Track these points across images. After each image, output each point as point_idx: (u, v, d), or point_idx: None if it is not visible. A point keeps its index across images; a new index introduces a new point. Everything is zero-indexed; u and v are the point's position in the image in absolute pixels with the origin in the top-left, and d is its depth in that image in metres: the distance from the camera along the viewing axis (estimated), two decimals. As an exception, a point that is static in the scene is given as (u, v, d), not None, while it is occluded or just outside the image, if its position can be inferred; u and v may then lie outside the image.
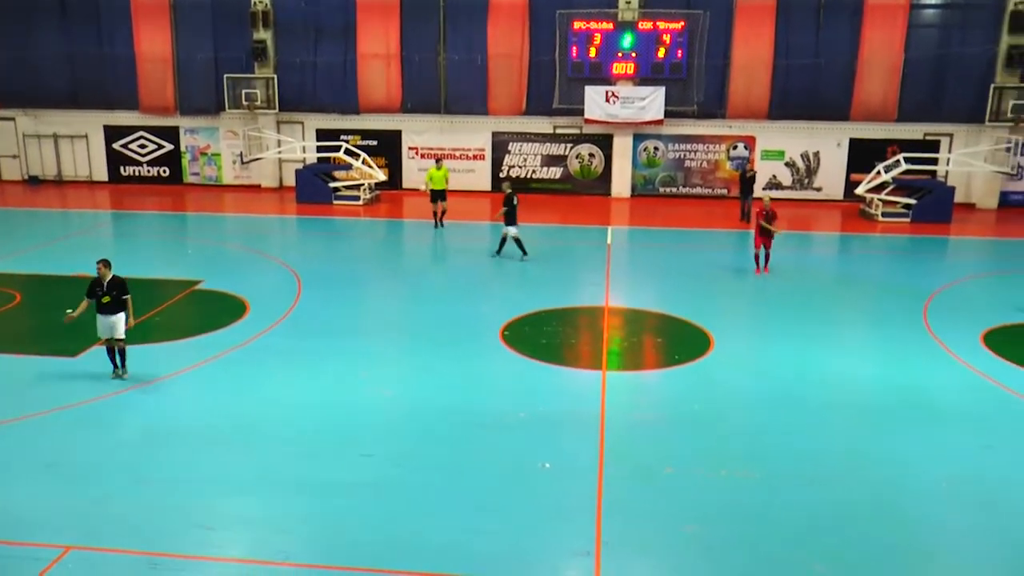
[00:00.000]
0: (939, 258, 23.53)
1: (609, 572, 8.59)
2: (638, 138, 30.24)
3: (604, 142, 30.49)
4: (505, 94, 30.37)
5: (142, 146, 32.34)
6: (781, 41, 28.92)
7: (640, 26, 28.83)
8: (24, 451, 11.02)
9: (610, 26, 28.97)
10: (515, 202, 20.94)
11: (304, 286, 18.66)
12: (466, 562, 8.72)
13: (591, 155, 30.74)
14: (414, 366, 14.29)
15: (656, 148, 30.37)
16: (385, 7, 29.94)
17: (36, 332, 15.87)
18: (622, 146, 30.35)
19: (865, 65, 28.64)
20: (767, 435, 11.74)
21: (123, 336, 13.13)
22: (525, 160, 30.94)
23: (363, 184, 28.88)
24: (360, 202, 28.58)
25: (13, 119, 32.51)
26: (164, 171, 32.52)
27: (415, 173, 30.93)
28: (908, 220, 26.49)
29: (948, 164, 28.20)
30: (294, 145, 30.34)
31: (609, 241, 23.82)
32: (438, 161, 25.59)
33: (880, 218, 26.67)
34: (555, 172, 30.96)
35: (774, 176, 30.07)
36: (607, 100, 29.20)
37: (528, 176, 31.00)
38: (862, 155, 29.24)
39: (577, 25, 29.01)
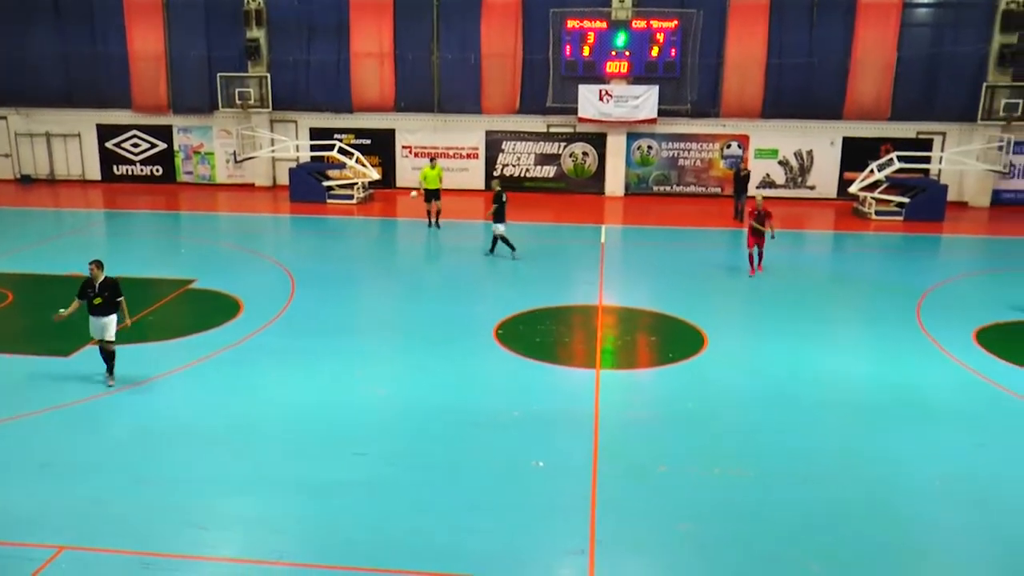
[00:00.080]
0: (932, 256, 23.60)
1: (603, 570, 8.60)
2: (632, 137, 30.26)
3: (598, 141, 30.49)
4: (499, 93, 30.36)
5: (135, 145, 32.25)
6: (774, 40, 28.96)
7: (634, 25, 28.84)
8: (17, 451, 10.99)
9: (603, 25, 28.97)
10: (504, 199, 20.98)
11: (298, 285, 18.64)
12: (460, 561, 8.72)
13: (585, 154, 30.75)
14: (408, 365, 14.28)
15: (650, 147, 30.40)
16: (378, 5, 29.90)
17: (29, 332, 15.83)
18: (616, 145, 30.36)
19: (858, 64, 28.69)
20: (761, 433, 11.76)
21: (113, 339, 12.91)
22: (519, 159, 30.93)
23: (357, 183, 28.85)
24: (354, 201, 28.55)
25: (5, 118, 32.39)
26: (157, 170, 32.44)
27: (408, 172, 30.92)
28: (901, 218, 26.56)
29: (941, 163, 28.26)
30: (287, 144, 30.30)
31: (603, 240, 23.83)
32: (432, 160, 25.57)
33: (873, 216, 26.73)
34: (549, 171, 30.97)
35: (768, 175, 30.12)
36: (601, 99, 29.21)
37: (522, 175, 31.00)
38: (855, 154, 29.29)
39: (571, 24, 29.01)
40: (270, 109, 30.78)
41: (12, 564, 8.56)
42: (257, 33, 30.24)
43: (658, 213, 28.17)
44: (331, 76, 30.81)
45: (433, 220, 24.66)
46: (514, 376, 13.86)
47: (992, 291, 18.82)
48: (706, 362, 14.50)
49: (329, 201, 28.56)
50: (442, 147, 30.93)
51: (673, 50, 28.86)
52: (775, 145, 29.93)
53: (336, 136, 30.60)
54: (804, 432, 11.83)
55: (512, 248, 21.12)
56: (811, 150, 29.87)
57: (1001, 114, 27.86)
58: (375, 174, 29.02)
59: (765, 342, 15.47)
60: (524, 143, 30.78)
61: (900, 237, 24.83)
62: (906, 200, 26.77)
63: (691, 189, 30.58)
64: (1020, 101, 27.66)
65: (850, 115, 29.25)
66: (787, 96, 29.33)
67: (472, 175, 30.87)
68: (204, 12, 30.69)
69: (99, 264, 12.86)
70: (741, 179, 26.66)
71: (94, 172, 32.64)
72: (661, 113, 29.33)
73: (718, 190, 30.30)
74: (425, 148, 30.94)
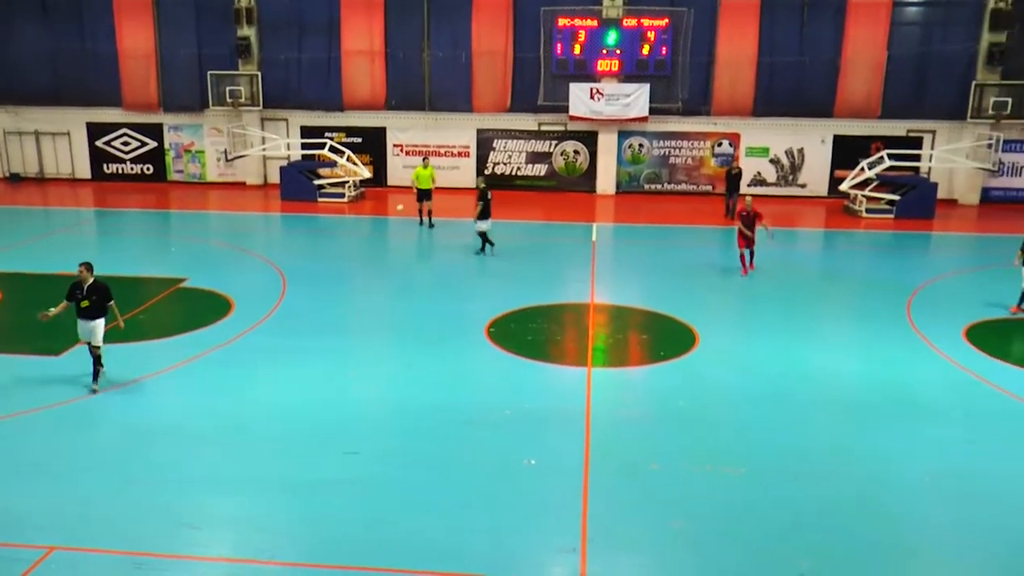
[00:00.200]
0: (922, 254, 23.69)
1: (595, 568, 8.61)
2: (623, 135, 30.29)
3: (589, 139, 30.52)
4: (490, 91, 30.35)
5: (125, 143, 32.15)
6: (765, 38, 29.03)
7: (624, 23, 28.87)
8: (7, 451, 10.94)
9: (594, 23, 29.00)
10: (489, 197, 21.00)
11: (289, 284, 18.60)
12: (452, 559, 8.72)
13: (576, 152, 30.76)
14: (399, 363, 14.26)
15: (641, 145, 30.43)
16: (369, 3, 29.86)
17: (19, 331, 15.73)
18: (607, 143, 30.39)
19: (849, 62, 28.78)
20: (752, 431, 11.79)
21: (99, 344, 12.71)
22: (510, 157, 30.94)
23: (348, 181, 28.81)
24: (345, 199, 28.51)
25: (-7, 116, 32.31)
26: (148, 168, 32.34)
27: (400, 170, 30.94)
28: (892, 216, 26.64)
29: (931, 160, 28.39)
30: (278, 142, 30.25)
31: (594, 238, 23.85)
32: (425, 160, 25.53)
33: (864, 214, 26.82)
34: (540, 169, 30.97)
35: (759, 173, 30.19)
36: (592, 97, 29.24)
37: (513, 173, 31.01)
38: (846, 152, 29.41)
39: (562, 22, 29.03)
40: (261, 107, 30.72)
41: (2, 565, 8.52)
42: (248, 31, 30.17)
43: (649, 211, 28.21)
44: (322, 74, 30.77)
45: (425, 219, 24.64)
46: (506, 374, 13.86)
47: (982, 288, 18.88)
48: (697, 360, 14.53)
49: (320, 200, 28.51)
50: (433, 145, 30.92)
51: (664, 48, 28.90)
52: (766, 143, 30.01)
53: (327, 134, 30.55)
54: (795, 429, 11.86)
55: (491, 244, 21.31)
56: (802, 148, 29.95)
57: (990, 112, 28.03)
58: (366, 172, 28.99)
59: (756, 340, 15.50)
60: (515, 141, 30.78)
61: (890, 235, 24.92)
62: (896, 198, 26.87)
63: (682, 187, 30.63)
64: (1009, 99, 27.82)
65: (841, 113, 29.35)
66: (778, 94, 29.42)
67: (463, 173, 30.86)
68: (194, 10, 30.62)
69: (88, 266, 12.68)
70: (733, 177, 26.71)
71: (84, 170, 32.53)
72: (652, 111, 29.39)
73: (709, 188, 30.36)
74: (416, 146, 30.93)
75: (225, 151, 31.17)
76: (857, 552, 8.92)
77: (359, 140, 30.96)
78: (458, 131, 30.84)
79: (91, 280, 12.63)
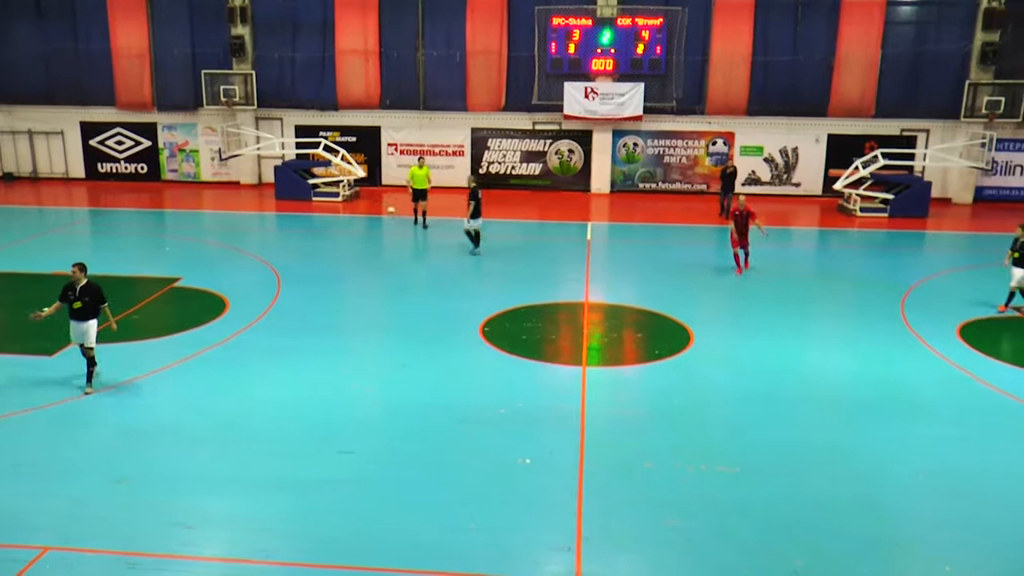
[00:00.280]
0: (916, 252, 23.73)
1: (590, 567, 8.62)
2: (617, 134, 30.31)
3: (583, 138, 30.53)
4: (484, 90, 30.34)
5: (119, 142, 32.08)
6: (759, 37, 29.07)
7: (619, 22, 28.88)
8: (0, 451, 10.91)
9: (589, 22, 29.00)
10: (479, 196, 21.03)
11: (284, 283, 18.58)
12: (447, 558, 8.72)
13: (570, 151, 30.77)
14: (394, 362, 14.24)
15: (635, 144, 30.45)
16: (363, 2, 29.82)
17: (12, 331, 15.70)
18: (601, 142, 30.40)
19: (843, 61, 28.83)
20: (746, 429, 11.80)
21: (92, 345, 12.65)
22: (504, 156, 30.93)
23: (342, 181, 28.77)
24: (339, 199, 28.48)
25: (-14, 115, 32.22)
26: (142, 168, 32.27)
27: (394, 169, 30.92)
28: (886, 215, 26.70)
29: (925, 159, 28.46)
30: (273, 142, 30.20)
31: (589, 237, 23.86)
32: (420, 159, 25.51)
33: (858, 213, 26.87)
34: (534, 168, 30.97)
35: (753, 172, 30.23)
36: (586, 96, 29.25)
37: (507, 172, 31.01)
38: (840, 151, 29.46)
39: (556, 21, 29.03)
40: (255, 106, 30.67)
41: (-5, 565, 8.52)
42: (242, 30, 30.11)
43: (644, 210, 28.23)
44: (316, 73, 30.74)
45: (419, 218, 24.62)
46: (500, 373, 13.86)
47: (975, 287, 18.92)
48: (692, 358, 14.54)
49: (315, 199, 28.48)
50: (428, 144, 30.91)
51: (658, 47, 28.92)
52: (760, 142, 30.04)
53: (321, 134, 30.53)
54: (789, 427, 11.88)
55: (474, 243, 21.38)
56: (796, 147, 30.00)
57: (983, 111, 28.10)
58: (361, 172, 28.96)
59: (751, 338, 15.52)
60: (510, 140, 30.78)
61: (884, 233, 24.97)
62: (890, 197, 26.92)
63: (677, 186, 30.65)
64: (1002, 99, 27.91)
65: (835, 112, 29.40)
66: (772, 93, 29.45)
67: (458, 172, 30.83)
68: (188, 9, 30.54)
69: (82, 267, 12.62)
70: (727, 176, 26.73)
71: (78, 170, 32.45)
72: (647, 110, 29.41)
73: (704, 187, 30.39)
74: (411, 145, 30.91)
75: (219, 150, 31.13)
76: (851, 549, 8.94)
77: (353, 139, 30.94)
78: (453, 130, 30.84)
79: (84, 281, 12.58)
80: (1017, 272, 16.66)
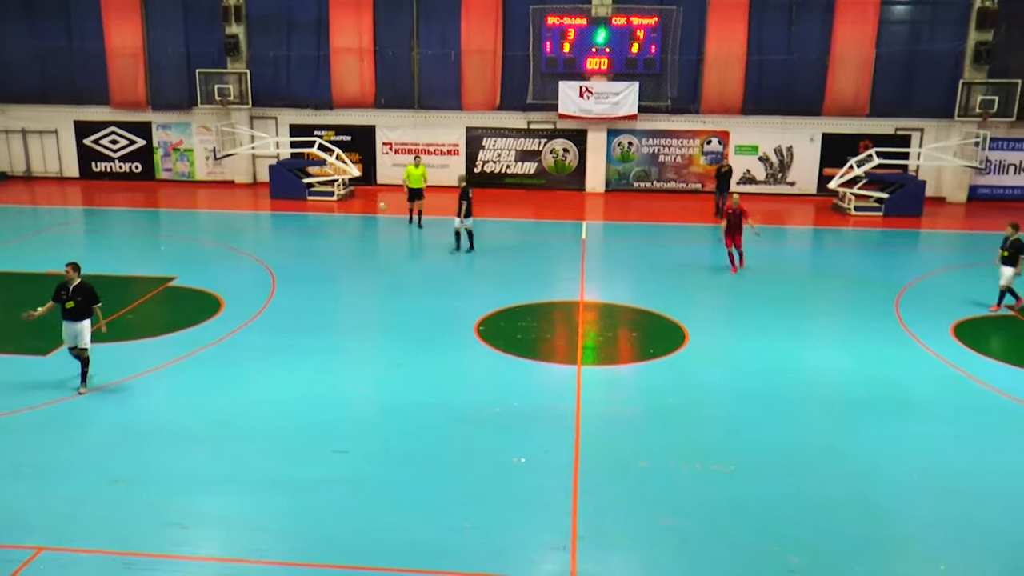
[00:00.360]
0: (910, 251, 23.79)
1: (585, 566, 8.62)
2: (612, 133, 30.32)
3: (578, 137, 30.53)
4: (479, 89, 30.32)
5: (113, 142, 32.00)
6: (754, 37, 29.11)
7: (614, 21, 28.89)
8: (-6, 451, 10.90)
9: (583, 21, 29.00)
10: (470, 195, 21.02)
11: (278, 282, 18.55)
12: (442, 557, 8.72)
13: (565, 150, 30.78)
14: (389, 362, 14.24)
15: (630, 143, 30.46)
16: (358, 1, 29.78)
17: (5, 330, 15.62)
18: (596, 141, 30.41)
19: (837, 61, 28.89)
20: (742, 428, 11.82)
21: (86, 346, 12.58)
22: (499, 155, 30.92)
23: (337, 180, 28.74)
24: (334, 198, 28.44)
25: (-20, 114, 32.11)
26: (136, 167, 32.20)
27: (389, 168, 30.91)
28: (880, 214, 26.75)
29: (919, 159, 28.52)
30: (267, 141, 30.15)
31: (583, 236, 23.87)
32: (416, 158, 25.46)
33: (853, 212, 26.92)
34: (529, 167, 30.97)
35: (748, 171, 30.27)
36: (581, 95, 29.25)
37: (502, 171, 31.00)
38: (835, 150, 29.50)
39: (551, 20, 29.01)
40: (250, 105, 30.62)
41: (-10, 565, 8.50)
42: (236, 29, 30.06)
43: (639, 209, 28.25)
44: (311, 72, 30.71)
45: (415, 218, 24.59)
46: (495, 372, 13.87)
47: (969, 285, 18.97)
48: (687, 358, 14.56)
49: (310, 198, 28.43)
50: (423, 143, 30.87)
51: (653, 47, 28.92)
52: (755, 141, 30.08)
53: (316, 133, 30.48)
54: (784, 426, 11.90)
55: (457, 242, 21.42)
56: (791, 146, 30.04)
57: (977, 110, 28.18)
58: (355, 171, 28.94)
59: (746, 337, 15.54)
60: (505, 139, 30.77)
61: (879, 232, 25.01)
62: (885, 196, 26.98)
63: (671, 185, 30.67)
64: (996, 98, 27.99)
65: (829, 111, 29.45)
66: (767, 92, 29.49)
67: (453, 171, 30.76)
68: (182, 8, 30.47)
69: (75, 267, 12.52)
70: (722, 175, 26.75)
71: (72, 169, 32.35)
72: (641, 109, 29.42)
73: (699, 186, 30.42)
74: (406, 144, 30.89)
75: (214, 149, 31.08)
76: (846, 548, 8.96)
77: (348, 138, 30.90)
78: (447, 129, 30.81)
79: (77, 281, 12.49)
80: (1006, 271, 16.71)
